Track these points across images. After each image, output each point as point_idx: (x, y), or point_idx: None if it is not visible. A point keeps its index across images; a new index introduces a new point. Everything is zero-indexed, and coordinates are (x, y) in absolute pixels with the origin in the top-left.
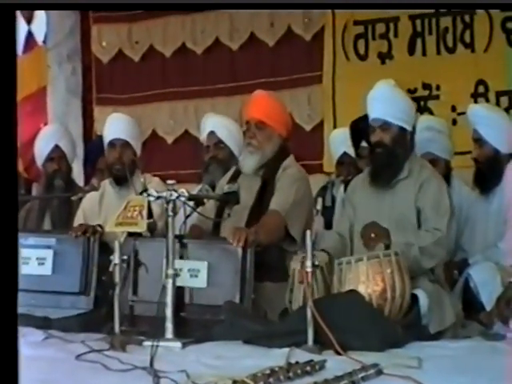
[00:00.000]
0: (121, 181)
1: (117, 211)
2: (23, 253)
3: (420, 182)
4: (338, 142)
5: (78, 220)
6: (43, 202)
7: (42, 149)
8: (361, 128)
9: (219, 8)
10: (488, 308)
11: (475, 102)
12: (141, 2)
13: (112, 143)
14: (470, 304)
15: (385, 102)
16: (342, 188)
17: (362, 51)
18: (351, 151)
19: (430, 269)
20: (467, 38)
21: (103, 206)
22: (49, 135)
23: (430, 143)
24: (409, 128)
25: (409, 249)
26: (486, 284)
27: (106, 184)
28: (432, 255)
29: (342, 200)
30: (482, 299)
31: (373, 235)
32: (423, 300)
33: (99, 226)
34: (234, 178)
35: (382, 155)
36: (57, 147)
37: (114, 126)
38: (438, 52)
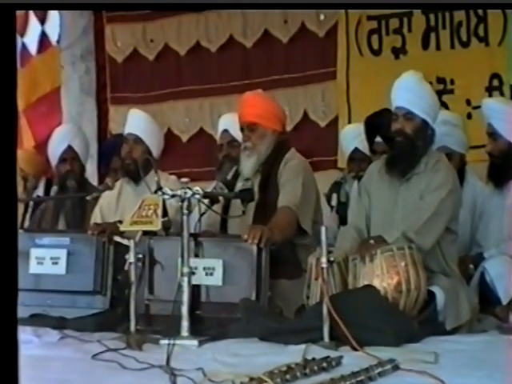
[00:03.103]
0: (136, 178)
1: (134, 209)
2: (37, 253)
3: (431, 175)
4: (349, 137)
5: (96, 218)
6: (57, 203)
7: (54, 150)
8: (376, 123)
9: (232, 8)
10: (504, 302)
11: (490, 95)
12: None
13: (126, 138)
14: (486, 298)
15: (412, 92)
16: (355, 183)
17: (375, 46)
18: (362, 147)
19: (446, 264)
20: (481, 32)
21: (120, 204)
22: (61, 136)
23: (445, 137)
24: (431, 123)
25: (406, 236)
26: (502, 278)
27: (124, 182)
28: (425, 234)
29: (358, 189)
30: (498, 293)
31: (372, 241)
32: (440, 297)
33: (119, 221)
34: (235, 177)
35: (402, 144)
36: (69, 148)
37: (130, 121)
38: (452, 46)
